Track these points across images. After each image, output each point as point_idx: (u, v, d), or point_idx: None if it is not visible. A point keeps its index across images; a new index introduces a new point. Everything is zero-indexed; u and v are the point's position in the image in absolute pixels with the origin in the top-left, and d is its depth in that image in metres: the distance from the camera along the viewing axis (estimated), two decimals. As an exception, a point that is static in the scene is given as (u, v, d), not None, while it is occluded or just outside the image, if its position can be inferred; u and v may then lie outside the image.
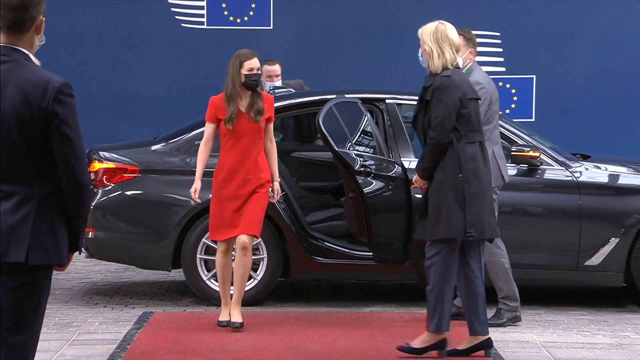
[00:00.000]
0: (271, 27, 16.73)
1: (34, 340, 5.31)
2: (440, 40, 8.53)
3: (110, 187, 11.02)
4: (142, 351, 8.96)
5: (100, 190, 11.01)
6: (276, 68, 12.87)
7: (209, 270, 10.91)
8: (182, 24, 16.89)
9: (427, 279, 8.51)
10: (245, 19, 16.87)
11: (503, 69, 16.70)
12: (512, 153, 10.61)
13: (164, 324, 9.97)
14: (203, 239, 10.86)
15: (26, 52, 5.15)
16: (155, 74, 16.69)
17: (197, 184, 9.68)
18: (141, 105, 16.26)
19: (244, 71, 9.60)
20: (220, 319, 9.77)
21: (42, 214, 5.13)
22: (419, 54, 8.77)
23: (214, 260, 10.81)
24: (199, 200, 9.79)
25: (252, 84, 9.69)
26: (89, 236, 11.01)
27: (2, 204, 5.06)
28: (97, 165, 11.05)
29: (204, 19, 16.89)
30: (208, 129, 9.79)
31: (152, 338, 9.47)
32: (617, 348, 9.34)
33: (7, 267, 5.06)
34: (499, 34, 16.45)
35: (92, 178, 11.00)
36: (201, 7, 16.88)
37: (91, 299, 11.45)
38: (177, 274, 11.41)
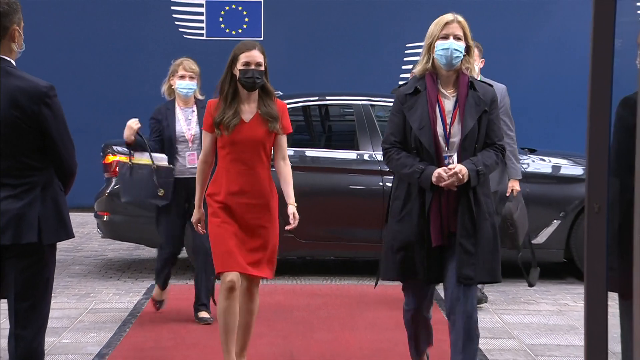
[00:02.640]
0: (262, 38, 16.76)
1: (47, 310, 5.40)
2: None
3: (124, 171, 10.91)
4: (150, 318, 9.05)
5: (114, 180, 11.01)
6: None
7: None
8: (185, 36, 16.99)
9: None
10: (240, 30, 16.94)
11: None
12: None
13: (170, 294, 10.02)
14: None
15: (7, 59, 5.17)
16: (160, 80, 16.73)
17: (198, 214, 6.94)
18: (148, 106, 16.23)
19: (239, 66, 6.57)
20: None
21: (46, 198, 5.22)
22: (459, 47, 5.90)
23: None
24: (203, 231, 7.00)
25: (248, 82, 6.57)
26: (104, 219, 11.11)
27: (9, 195, 5.12)
28: (110, 158, 11.07)
29: (204, 31, 16.98)
30: (206, 140, 6.84)
31: (161, 310, 9.48)
32: (558, 314, 9.48)
33: (18, 249, 5.14)
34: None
35: (106, 169, 11.10)
36: (201, 21, 16.97)
37: (106, 273, 11.56)
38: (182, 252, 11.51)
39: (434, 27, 5.99)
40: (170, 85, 8.77)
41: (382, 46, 17.06)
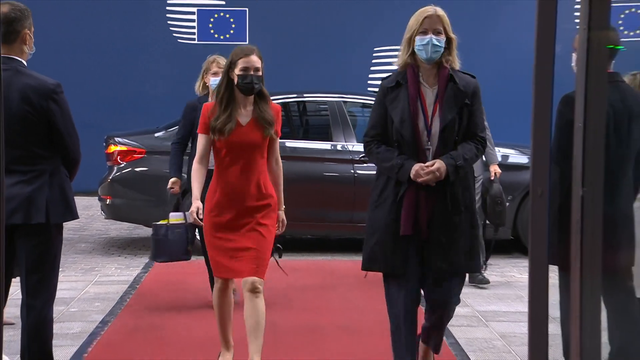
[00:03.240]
0: (247, 42, 16.71)
1: (55, 282, 5.43)
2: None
3: (123, 164, 11.06)
4: (148, 289, 9.07)
5: (115, 167, 11.04)
6: None
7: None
8: (178, 40, 16.95)
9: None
10: (227, 35, 16.93)
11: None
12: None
13: (164, 269, 10.02)
14: (194, 204, 10.81)
15: (19, 59, 5.22)
16: (157, 79, 16.73)
17: (197, 203, 5.93)
18: (146, 103, 16.28)
19: (237, 71, 5.81)
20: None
21: (53, 184, 5.26)
22: (439, 41, 5.22)
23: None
24: (201, 223, 6.03)
25: (246, 87, 5.81)
26: (107, 202, 11.11)
27: (20, 180, 5.16)
28: (112, 148, 11.06)
29: (195, 36, 16.95)
30: (201, 142, 5.99)
31: (155, 280, 9.59)
32: (505, 285, 9.53)
33: (28, 228, 5.17)
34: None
35: (108, 158, 11.10)
36: (193, 27, 16.95)
37: (109, 250, 11.53)
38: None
39: (414, 20, 5.25)
40: (205, 82, 8.03)
41: (353, 50, 17.05)
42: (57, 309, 7.15)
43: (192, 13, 16.95)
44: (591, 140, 3.36)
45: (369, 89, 16.15)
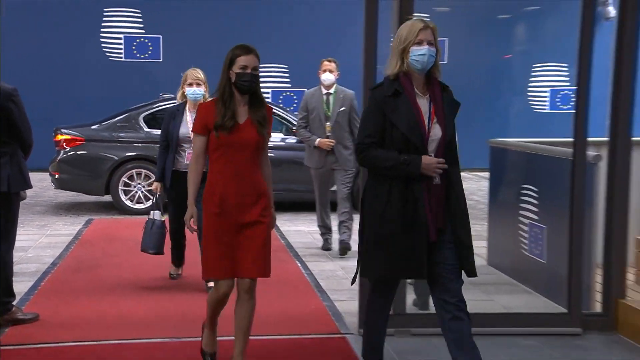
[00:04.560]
0: (161, 60, 16.50)
1: (14, 234, 5.38)
2: None
3: (68, 149, 10.73)
4: (87, 240, 8.83)
5: (62, 151, 10.74)
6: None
7: (126, 195, 10.75)
8: (109, 58, 16.54)
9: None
10: (146, 55, 16.58)
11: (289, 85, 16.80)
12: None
13: (100, 225, 9.85)
14: (123, 178, 10.67)
15: None
16: (94, 86, 16.26)
17: (192, 210, 4.42)
18: (85, 103, 15.75)
19: (236, 69, 4.30)
20: (207, 349, 4.60)
21: (12, 162, 5.20)
22: (432, 52, 3.92)
23: (132, 190, 10.73)
24: (195, 229, 4.45)
25: (244, 85, 4.30)
26: (56, 177, 10.84)
27: None
28: (59, 137, 10.74)
29: (122, 55, 16.56)
30: (197, 142, 4.42)
31: (93, 233, 9.33)
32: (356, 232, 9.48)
33: None
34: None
35: (56, 144, 10.82)
36: (120, 49, 16.54)
37: (58, 211, 11.17)
38: (108, 198, 11.26)
39: (408, 32, 3.94)
40: (183, 92, 6.57)
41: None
42: (18, 255, 6.98)
43: (120, 38, 16.51)
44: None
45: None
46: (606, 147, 5.49)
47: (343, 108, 7.90)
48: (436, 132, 3.92)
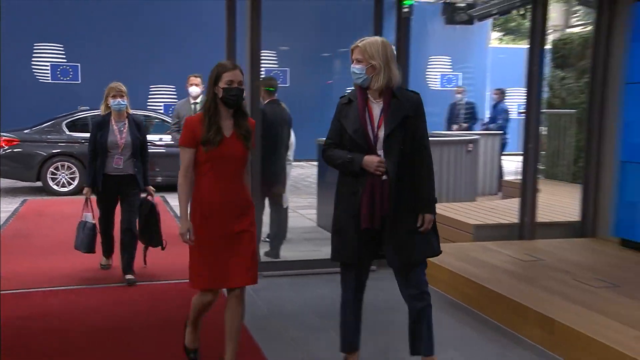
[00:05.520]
0: (80, 82, 15.54)
1: None
2: (389, 58, 3.20)
3: (7, 148, 10.00)
4: (22, 214, 8.22)
5: (1, 150, 9.98)
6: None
7: (53, 181, 10.15)
8: (39, 80, 15.39)
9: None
10: (68, 78, 15.57)
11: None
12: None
13: (34, 204, 9.21)
14: (50, 169, 10.09)
15: None
16: (28, 101, 15.02)
17: (186, 224, 3.08)
18: (20, 114, 14.56)
19: (222, 84, 3.12)
20: (190, 346, 3.49)
21: None
22: (359, 70, 3.17)
23: (57, 177, 10.12)
24: (192, 242, 3.10)
25: (231, 100, 3.12)
26: (-2, 168, 10.13)
27: None
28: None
29: (49, 77, 15.46)
30: (185, 155, 3.13)
31: (28, 210, 8.68)
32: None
33: None
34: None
35: (-3, 143, 10.00)
36: (48, 73, 15.43)
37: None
38: (39, 184, 10.53)
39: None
40: (107, 104, 5.33)
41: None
42: (-34, 228, 6.35)
43: (47, 65, 15.37)
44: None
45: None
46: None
47: None
48: (382, 133, 3.20)
